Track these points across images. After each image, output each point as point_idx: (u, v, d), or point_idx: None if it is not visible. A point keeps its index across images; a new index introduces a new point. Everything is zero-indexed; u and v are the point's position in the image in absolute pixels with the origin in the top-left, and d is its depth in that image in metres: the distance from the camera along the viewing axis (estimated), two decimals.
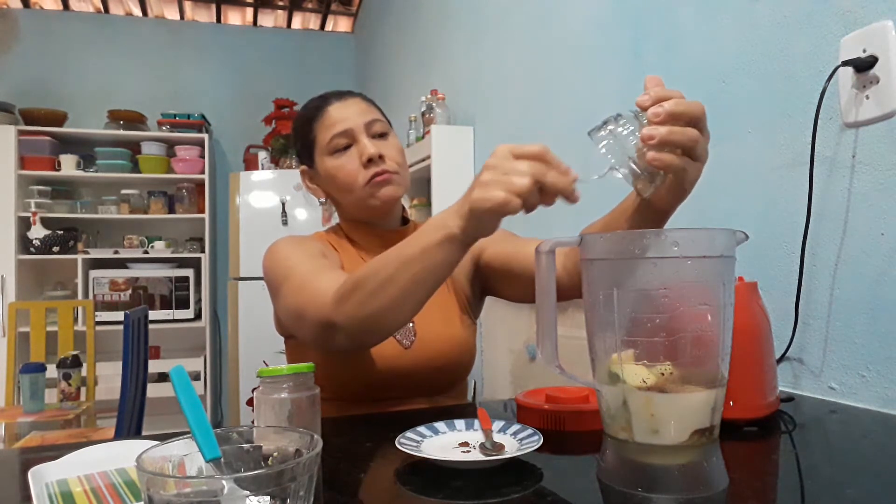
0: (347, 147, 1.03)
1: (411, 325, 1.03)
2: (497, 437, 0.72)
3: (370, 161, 1.01)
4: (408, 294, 0.74)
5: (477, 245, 1.11)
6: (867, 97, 0.87)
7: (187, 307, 3.93)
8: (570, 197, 0.64)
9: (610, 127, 0.63)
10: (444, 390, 1.06)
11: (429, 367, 1.01)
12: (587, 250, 0.62)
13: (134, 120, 4.05)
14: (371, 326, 0.78)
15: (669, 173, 0.64)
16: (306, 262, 0.94)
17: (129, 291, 3.84)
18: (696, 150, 0.64)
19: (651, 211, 0.77)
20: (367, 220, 1.09)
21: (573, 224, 1.67)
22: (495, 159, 0.65)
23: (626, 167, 0.64)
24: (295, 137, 1.12)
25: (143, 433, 2.42)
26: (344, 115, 1.04)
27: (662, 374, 0.56)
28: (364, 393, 1.00)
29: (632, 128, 0.62)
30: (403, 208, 1.16)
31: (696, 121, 0.63)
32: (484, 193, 0.64)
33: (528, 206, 0.64)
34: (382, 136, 1.06)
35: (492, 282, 1.11)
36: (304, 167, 1.12)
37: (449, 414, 0.80)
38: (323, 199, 1.11)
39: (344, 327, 0.78)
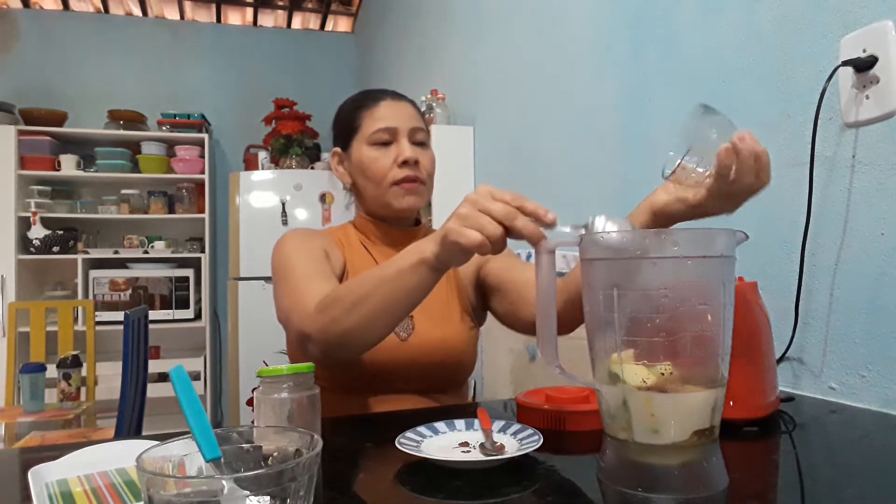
0: (387, 143, 1.06)
1: (410, 318, 1.04)
2: (497, 437, 0.72)
3: (405, 163, 1.04)
4: (380, 313, 0.78)
5: (469, 266, 1.14)
6: (867, 97, 0.87)
7: (187, 307, 3.93)
8: (536, 242, 0.67)
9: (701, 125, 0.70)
10: (442, 389, 1.07)
11: (425, 361, 1.02)
12: (587, 250, 0.62)
13: (134, 120, 4.05)
14: (343, 341, 0.81)
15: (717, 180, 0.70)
16: (305, 264, 0.97)
17: (129, 291, 3.84)
18: (761, 179, 0.69)
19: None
20: (383, 217, 1.11)
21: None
22: (476, 195, 0.70)
23: (699, 155, 0.69)
24: (336, 120, 1.14)
25: (143, 433, 2.42)
26: (394, 114, 1.07)
27: (662, 374, 0.56)
28: (361, 383, 1.01)
29: (715, 136, 0.69)
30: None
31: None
32: (459, 228, 0.68)
33: (497, 250, 0.68)
34: (422, 144, 1.09)
35: (485, 294, 1.14)
36: (337, 149, 1.14)
37: (449, 414, 0.80)
38: (347, 185, 1.14)
39: (316, 340, 0.82)
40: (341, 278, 1.05)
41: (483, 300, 1.15)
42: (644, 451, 0.57)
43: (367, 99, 1.10)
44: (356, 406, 1.00)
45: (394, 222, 1.12)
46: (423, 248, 0.75)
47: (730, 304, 0.59)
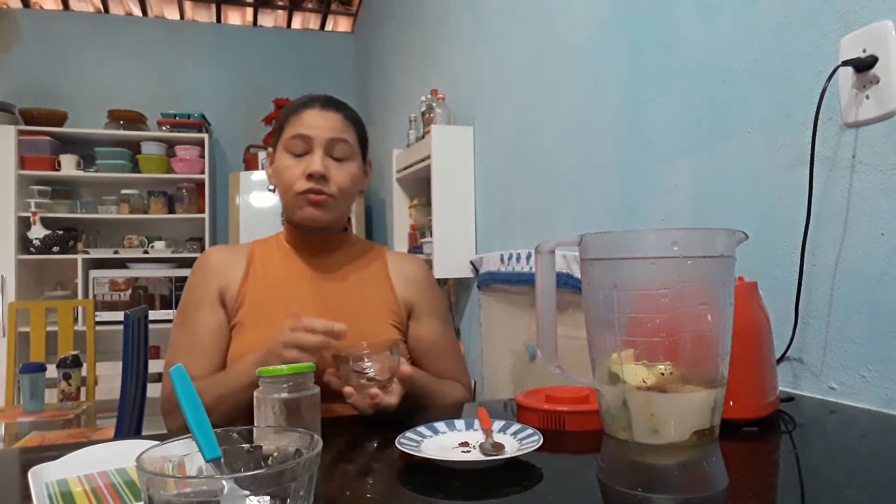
0: (303, 153, 1.05)
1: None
2: (497, 437, 0.72)
3: (310, 177, 1.03)
4: (218, 417, 0.92)
5: (408, 296, 1.15)
6: (867, 97, 0.87)
7: None
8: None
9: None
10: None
11: None
12: (587, 250, 0.62)
13: (134, 120, 4.05)
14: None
15: None
16: (187, 323, 1.07)
17: (129, 291, 3.85)
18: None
19: None
20: (297, 224, 1.11)
21: (575, 225, 1.67)
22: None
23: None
24: (276, 121, 1.15)
25: (143, 433, 2.42)
26: (314, 124, 1.05)
27: (662, 374, 0.56)
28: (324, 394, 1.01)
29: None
30: (348, 218, 1.18)
31: None
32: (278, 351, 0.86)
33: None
34: (341, 159, 1.07)
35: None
36: (269, 149, 1.14)
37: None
38: (272, 187, 1.14)
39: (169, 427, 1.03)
40: (234, 307, 1.07)
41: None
42: (644, 450, 0.57)
43: (299, 103, 1.09)
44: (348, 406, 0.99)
45: (308, 230, 1.11)
46: (251, 372, 0.86)
47: (730, 304, 0.59)
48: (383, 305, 1.11)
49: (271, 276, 1.09)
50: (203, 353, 1.04)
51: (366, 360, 0.87)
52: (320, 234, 1.12)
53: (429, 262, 2.27)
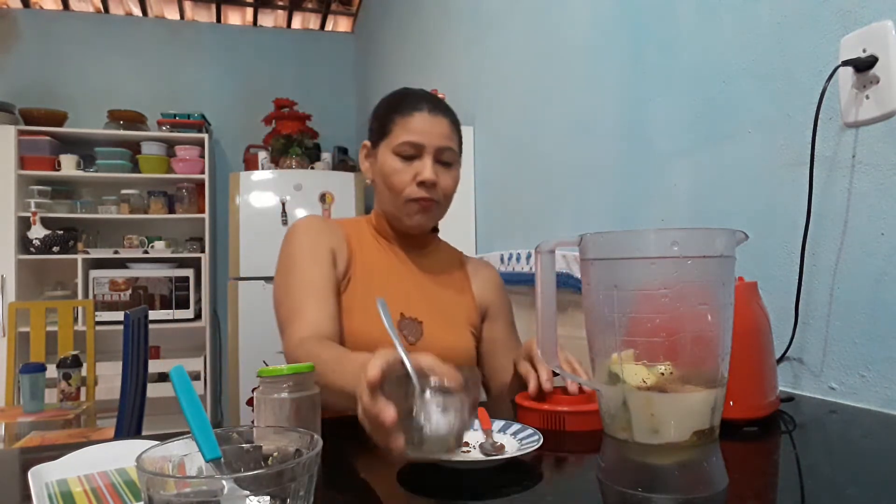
0: (412, 158, 1.05)
1: (419, 323, 1.06)
2: (497, 437, 0.72)
3: (422, 184, 1.04)
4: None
5: (490, 302, 1.19)
6: (867, 97, 0.87)
7: (187, 307, 3.93)
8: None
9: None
10: None
11: None
12: (587, 250, 0.62)
13: (134, 120, 4.05)
14: None
15: None
16: (308, 270, 1.01)
17: (129, 291, 3.84)
18: None
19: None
20: (406, 230, 1.12)
21: (575, 225, 1.67)
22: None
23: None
24: (375, 113, 1.13)
25: (143, 433, 2.42)
26: (425, 129, 1.05)
27: (662, 374, 0.56)
28: None
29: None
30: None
31: None
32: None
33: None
34: (448, 164, 1.08)
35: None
36: (367, 142, 1.14)
37: None
38: (369, 181, 1.14)
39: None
40: (344, 276, 1.06)
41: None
42: (644, 450, 0.57)
43: (405, 104, 1.08)
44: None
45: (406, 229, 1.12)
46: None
47: (730, 304, 0.59)
48: (465, 311, 1.14)
49: (368, 262, 1.09)
50: (329, 305, 0.99)
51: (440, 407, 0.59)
52: (414, 232, 1.12)
53: None
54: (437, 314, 1.09)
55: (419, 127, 1.04)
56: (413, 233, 1.11)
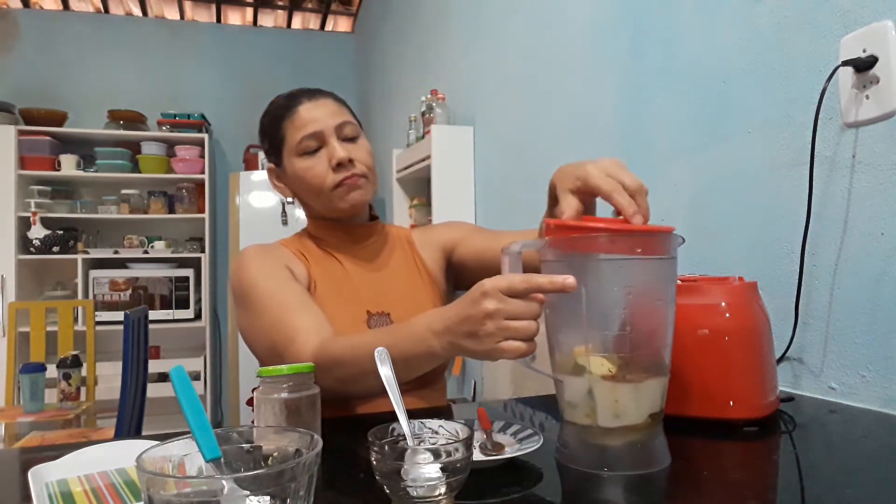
0: (317, 150, 1.03)
1: (388, 314, 1.05)
2: (497, 437, 0.72)
3: (339, 165, 1.02)
4: (382, 387, 0.71)
5: (448, 240, 1.17)
6: (867, 97, 0.87)
7: (187, 307, 3.93)
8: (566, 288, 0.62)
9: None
10: (419, 385, 1.03)
11: None
12: (550, 251, 0.66)
13: (134, 120, 4.05)
14: (338, 395, 0.89)
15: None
16: (277, 291, 0.95)
17: (129, 291, 3.84)
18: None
19: None
20: (336, 219, 1.09)
21: None
22: (492, 304, 0.63)
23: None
24: (262, 135, 1.11)
25: (143, 433, 2.42)
26: (314, 117, 1.03)
27: (626, 365, 0.63)
28: None
29: None
30: (370, 205, 1.16)
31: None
32: (490, 348, 0.64)
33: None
34: (353, 139, 1.05)
35: (464, 277, 1.16)
36: (271, 166, 1.11)
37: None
38: (290, 199, 1.12)
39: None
40: (308, 288, 1.02)
41: (459, 284, 1.18)
42: (605, 434, 0.63)
43: (284, 107, 1.06)
44: (347, 406, 0.99)
45: (347, 221, 1.10)
46: (432, 345, 0.73)
47: (673, 300, 0.67)
48: (425, 287, 1.12)
49: (322, 272, 1.07)
50: (318, 311, 0.94)
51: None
52: (360, 223, 1.11)
53: None
54: (401, 300, 1.07)
55: (308, 116, 1.03)
56: (354, 213, 1.07)
